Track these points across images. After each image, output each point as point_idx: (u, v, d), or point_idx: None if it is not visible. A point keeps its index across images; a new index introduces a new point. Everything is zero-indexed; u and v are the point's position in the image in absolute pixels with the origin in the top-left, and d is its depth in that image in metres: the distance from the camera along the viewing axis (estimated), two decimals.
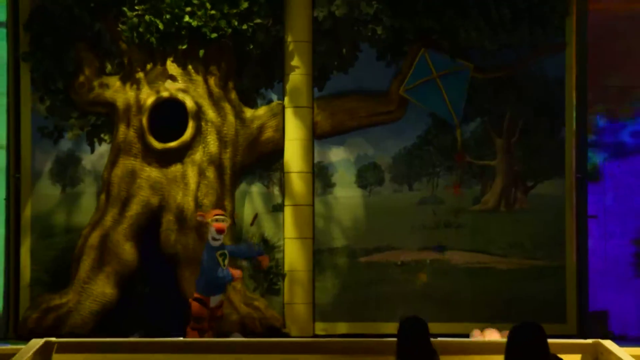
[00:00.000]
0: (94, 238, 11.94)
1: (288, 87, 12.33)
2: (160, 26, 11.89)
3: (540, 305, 12.19)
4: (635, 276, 12.38)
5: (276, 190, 12.34)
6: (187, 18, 11.90)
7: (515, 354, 5.97)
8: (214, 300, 10.61)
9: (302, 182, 12.28)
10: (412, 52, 12.27)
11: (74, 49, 12.12)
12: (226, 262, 10.66)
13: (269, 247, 12.22)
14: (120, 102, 12.14)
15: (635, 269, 12.38)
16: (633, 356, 8.71)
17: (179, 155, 12.04)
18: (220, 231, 10.54)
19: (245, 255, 11.20)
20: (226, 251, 10.66)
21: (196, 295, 10.65)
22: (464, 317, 12.19)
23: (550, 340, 8.89)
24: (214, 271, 10.54)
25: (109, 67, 12.28)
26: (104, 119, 12.28)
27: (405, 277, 12.29)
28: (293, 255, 12.22)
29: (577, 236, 12.30)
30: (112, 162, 12.12)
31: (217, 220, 10.58)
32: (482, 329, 10.97)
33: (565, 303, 12.20)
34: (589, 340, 9.45)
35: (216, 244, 10.60)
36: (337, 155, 12.44)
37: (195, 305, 10.65)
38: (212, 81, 12.19)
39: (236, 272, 10.73)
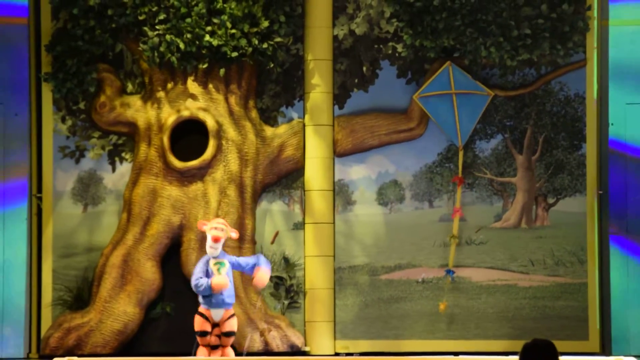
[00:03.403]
0: (116, 257, 11.98)
1: (308, 105, 12.35)
2: (181, 46, 11.94)
3: (563, 322, 12.14)
4: None
5: (297, 208, 12.34)
6: (207, 37, 11.94)
7: None
8: (217, 314, 10.46)
9: (323, 200, 12.28)
10: (433, 69, 12.27)
11: (96, 70, 12.18)
12: (222, 271, 10.47)
13: (290, 265, 12.22)
14: (141, 122, 12.19)
15: None
16: None
17: (200, 174, 12.07)
18: (216, 240, 10.42)
19: (248, 267, 10.65)
20: (225, 260, 10.51)
21: (199, 309, 10.55)
22: (486, 335, 12.15)
23: (573, 358, 8.86)
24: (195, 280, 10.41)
25: (130, 86, 12.33)
26: (125, 138, 12.33)
27: (427, 294, 12.26)
28: (314, 273, 12.21)
29: (600, 253, 12.25)
30: (134, 181, 12.16)
31: (215, 228, 10.45)
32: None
33: (587, 320, 12.14)
34: (612, 358, 9.40)
35: (214, 252, 10.48)
36: (357, 173, 12.44)
37: (196, 319, 10.47)
38: (232, 100, 12.23)
39: (219, 283, 10.30)
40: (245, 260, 10.66)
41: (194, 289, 10.42)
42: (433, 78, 12.22)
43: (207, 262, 10.46)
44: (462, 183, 12.27)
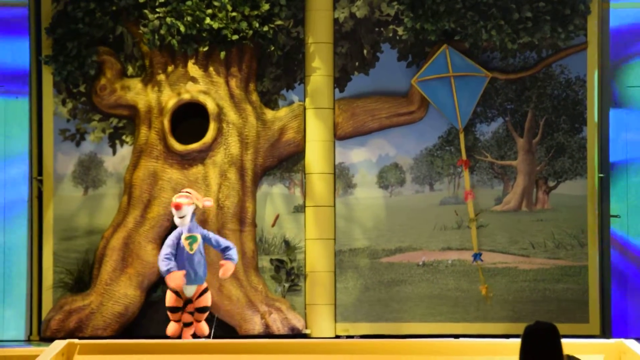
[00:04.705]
0: (116, 240, 11.99)
1: (309, 88, 12.34)
2: (182, 28, 11.93)
3: (563, 305, 12.16)
4: None
5: (297, 192, 12.35)
6: (208, 20, 11.93)
7: (529, 354, 5.94)
8: (189, 290, 10.32)
9: (324, 183, 12.29)
10: (433, 52, 12.26)
11: (96, 53, 12.17)
12: (195, 246, 10.39)
13: (291, 248, 12.24)
14: (141, 105, 12.18)
15: None
16: None
17: (201, 157, 12.07)
18: (176, 207, 10.29)
19: (220, 248, 10.48)
20: (197, 234, 10.43)
21: None
22: (487, 318, 12.16)
23: (573, 341, 8.86)
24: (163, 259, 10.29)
25: (130, 69, 12.33)
26: (125, 121, 12.33)
27: (427, 277, 12.28)
28: (314, 256, 12.23)
29: (600, 236, 12.26)
30: (134, 164, 12.16)
31: (178, 197, 10.30)
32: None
33: (587, 303, 12.16)
34: (612, 341, 9.41)
35: (180, 223, 10.34)
36: (358, 156, 12.44)
37: (168, 295, 10.33)
38: (233, 83, 12.22)
39: (175, 283, 10.14)
40: (217, 239, 10.50)
41: (159, 263, 10.31)
42: (430, 62, 12.21)
43: (180, 235, 10.38)
44: (468, 165, 12.27)
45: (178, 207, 10.27)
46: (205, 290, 10.39)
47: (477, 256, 12.22)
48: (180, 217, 10.33)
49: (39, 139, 12.31)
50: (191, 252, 10.37)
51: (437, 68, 12.21)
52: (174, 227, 11.91)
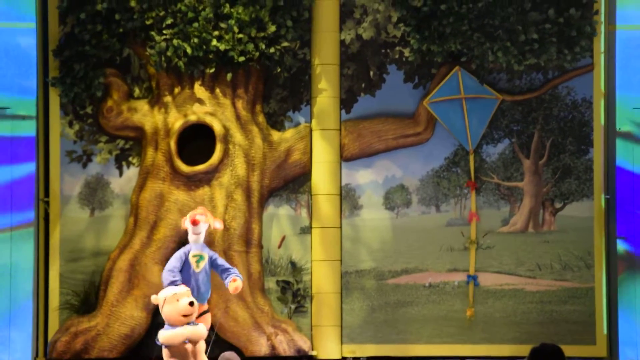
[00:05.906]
0: (123, 261, 11.99)
1: (315, 109, 12.36)
2: (188, 50, 11.96)
3: (570, 327, 12.13)
4: None
5: (304, 213, 12.35)
6: (214, 42, 11.96)
7: None
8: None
9: (330, 204, 12.29)
10: (440, 73, 12.28)
11: (103, 74, 12.19)
12: (201, 264, 10.49)
13: (297, 270, 12.23)
14: (148, 126, 12.21)
15: None
16: None
17: (207, 178, 12.08)
18: (194, 223, 10.46)
19: (222, 270, 10.62)
20: (205, 254, 10.53)
21: None
22: (494, 339, 12.14)
23: None
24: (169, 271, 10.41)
25: (137, 91, 12.35)
26: (132, 142, 12.35)
27: (434, 298, 12.26)
28: (321, 277, 12.21)
29: (607, 257, 12.24)
30: (141, 186, 12.17)
31: (196, 214, 10.53)
32: None
33: (594, 325, 12.13)
34: None
35: (197, 239, 10.50)
36: (364, 177, 12.45)
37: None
38: (239, 104, 12.24)
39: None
40: (222, 262, 10.67)
41: (164, 275, 10.42)
42: (442, 83, 12.23)
43: (187, 253, 10.52)
44: (475, 187, 12.27)
45: (196, 223, 10.48)
46: (205, 312, 10.44)
47: (471, 278, 12.19)
48: (196, 234, 10.51)
49: (45, 160, 12.33)
50: (197, 270, 10.46)
51: (449, 90, 12.23)
52: (179, 248, 11.96)
